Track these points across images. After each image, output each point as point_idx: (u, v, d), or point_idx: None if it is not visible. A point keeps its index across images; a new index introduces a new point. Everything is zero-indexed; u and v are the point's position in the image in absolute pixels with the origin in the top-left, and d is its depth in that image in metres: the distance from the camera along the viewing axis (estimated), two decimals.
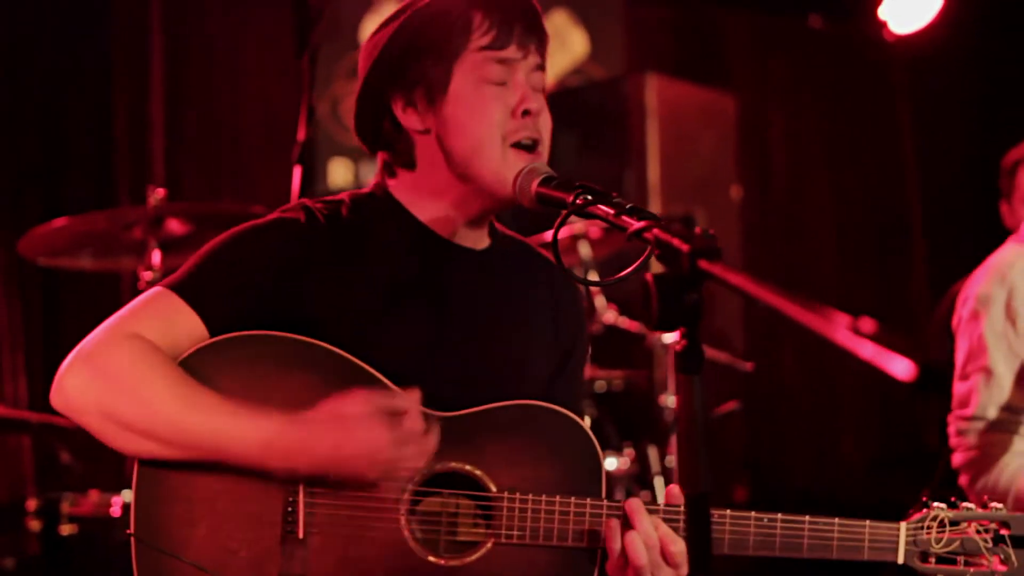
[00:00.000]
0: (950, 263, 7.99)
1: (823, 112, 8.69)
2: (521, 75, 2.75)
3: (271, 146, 6.97)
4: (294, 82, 6.94)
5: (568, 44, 8.01)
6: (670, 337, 5.51)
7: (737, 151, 7.59)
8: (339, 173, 7.56)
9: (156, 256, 4.36)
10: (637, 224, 2.22)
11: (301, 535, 2.60)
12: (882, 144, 8.81)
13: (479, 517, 2.68)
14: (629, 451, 5.19)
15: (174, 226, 4.42)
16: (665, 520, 2.62)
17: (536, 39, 2.79)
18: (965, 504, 2.77)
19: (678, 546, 2.58)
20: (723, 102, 7.56)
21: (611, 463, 5.13)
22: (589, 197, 2.49)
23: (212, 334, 2.63)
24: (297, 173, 4.22)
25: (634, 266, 2.42)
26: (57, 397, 2.58)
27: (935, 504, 2.76)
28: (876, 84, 8.71)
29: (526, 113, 2.72)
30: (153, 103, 6.91)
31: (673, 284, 1.94)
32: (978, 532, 2.74)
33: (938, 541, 2.73)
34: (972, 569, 2.74)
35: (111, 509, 4.51)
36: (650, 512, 2.61)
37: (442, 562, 2.63)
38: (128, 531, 2.60)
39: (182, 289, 2.64)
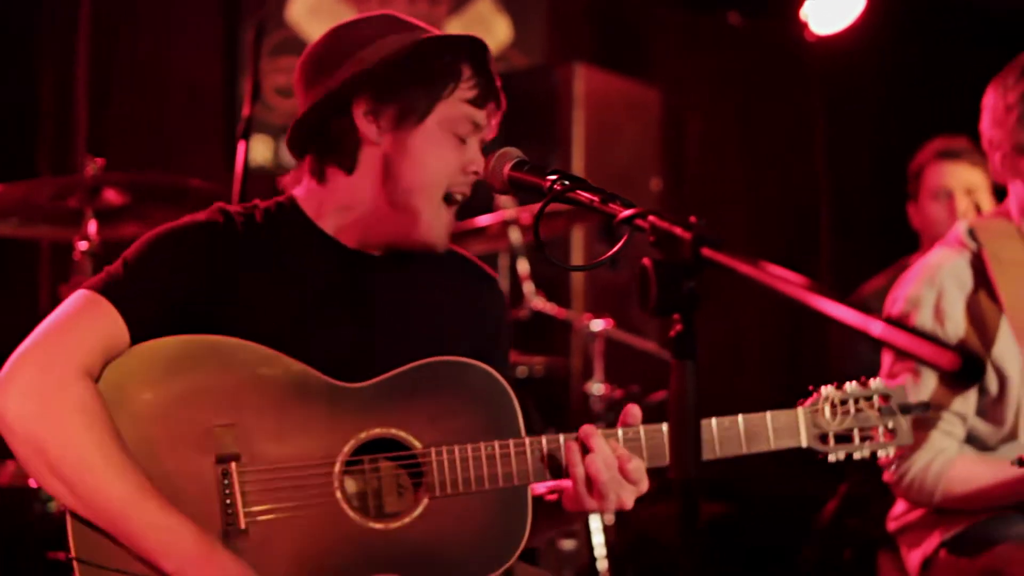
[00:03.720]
0: (855, 262, 8.13)
1: (740, 109, 8.77)
2: (475, 142, 2.90)
3: (196, 118, 6.91)
4: (221, 54, 6.92)
5: (492, 31, 8.02)
6: (597, 324, 5.56)
7: (660, 143, 7.65)
8: (259, 151, 7.49)
9: (92, 226, 4.30)
10: (627, 211, 2.25)
11: (243, 526, 2.63)
12: (796, 143, 8.89)
13: (412, 476, 2.75)
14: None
15: (111, 196, 4.36)
16: (624, 443, 2.74)
17: (494, 118, 2.95)
18: (848, 384, 2.94)
19: (635, 463, 2.70)
20: (648, 94, 7.62)
21: None
22: (567, 183, 2.53)
23: (134, 338, 2.67)
24: (242, 148, 4.20)
25: (612, 251, 2.45)
26: None
27: (822, 388, 2.92)
28: (793, 84, 8.79)
29: (475, 173, 2.87)
30: (79, 71, 6.80)
31: (673, 271, 1.98)
32: (868, 408, 2.92)
33: (833, 420, 2.89)
34: (867, 442, 2.92)
35: (29, 480, 4.43)
36: (606, 436, 2.72)
37: (382, 526, 2.69)
38: (70, 556, 2.59)
39: (109, 292, 2.69)
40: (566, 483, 2.75)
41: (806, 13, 6.61)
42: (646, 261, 1.98)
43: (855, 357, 5.48)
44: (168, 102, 6.97)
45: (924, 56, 8.91)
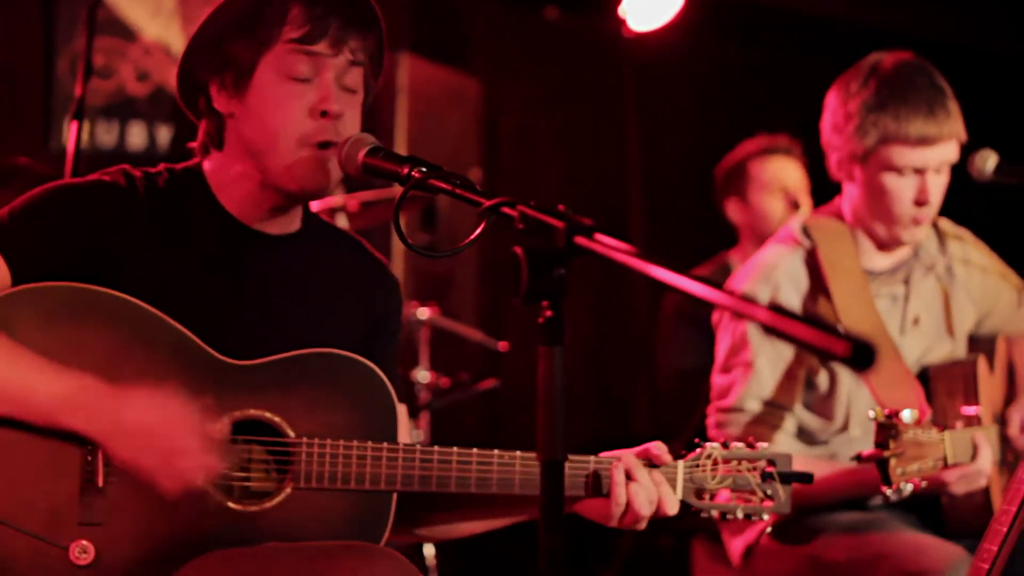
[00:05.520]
0: (666, 256, 8.25)
1: (556, 102, 8.81)
2: (329, 73, 2.77)
3: (13, 98, 6.71)
4: (40, 33, 6.74)
5: None
6: (423, 312, 5.58)
7: (480, 134, 7.68)
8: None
9: None
10: (494, 200, 2.28)
11: (101, 484, 2.58)
12: (610, 138, 8.99)
13: (278, 463, 2.73)
14: None
15: None
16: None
17: (359, 35, 2.81)
18: (735, 443, 2.95)
19: (671, 506, 2.81)
20: (468, 85, 7.65)
21: None
22: (424, 170, 2.55)
23: (15, 279, 2.63)
24: (74, 129, 4.12)
25: (471, 239, 2.47)
26: None
27: (708, 443, 2.93)
28: (609, 79, 8.88)
29: (324, 114, 2.75)
30: None
31: (544, 258, 2.02)
32: (749, 470, 2.93)
33: (712, 478, 2.90)
34: (741, 503, 2.93)
35: None
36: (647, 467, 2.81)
37: (241, 508, 2.66)
38: None
39: None
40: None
41: (624, 10, 6.65)
42: (518, 249, 2.01)
43: (683, 351, 5.58)
44: None
45: (738, 55, 9.11)
